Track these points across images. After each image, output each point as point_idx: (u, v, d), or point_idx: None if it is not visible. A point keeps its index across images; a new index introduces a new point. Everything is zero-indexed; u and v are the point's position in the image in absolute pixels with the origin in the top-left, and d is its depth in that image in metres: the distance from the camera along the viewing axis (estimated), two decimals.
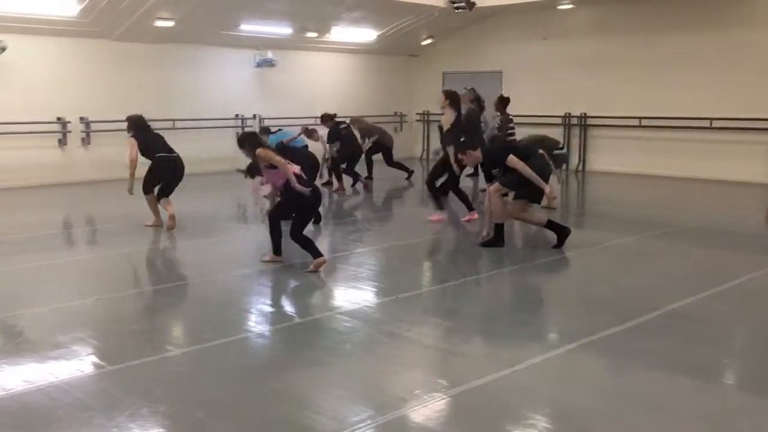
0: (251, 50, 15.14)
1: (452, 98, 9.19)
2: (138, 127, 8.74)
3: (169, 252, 8.24)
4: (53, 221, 9.72)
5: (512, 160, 7.48)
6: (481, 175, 9.19)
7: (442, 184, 9.45)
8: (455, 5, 14.77)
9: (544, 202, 9.02)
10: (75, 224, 10.09)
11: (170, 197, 8.73)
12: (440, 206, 9.46)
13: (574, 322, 5.34)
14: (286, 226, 6.85)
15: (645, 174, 14.28)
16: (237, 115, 15.25)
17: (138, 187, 8.60)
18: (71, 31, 12.48)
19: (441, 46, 17.74)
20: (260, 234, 8.31)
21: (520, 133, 11.72)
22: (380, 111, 17.58)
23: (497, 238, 7.76)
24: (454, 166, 8.99)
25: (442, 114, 9.27)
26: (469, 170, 10.85)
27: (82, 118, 13.05)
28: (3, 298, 5.96)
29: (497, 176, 7.70)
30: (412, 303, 5.91)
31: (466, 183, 10.81)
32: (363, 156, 12.59)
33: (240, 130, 15.23)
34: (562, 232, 7.71)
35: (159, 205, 8.74)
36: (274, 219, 6.97)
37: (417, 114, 18.56)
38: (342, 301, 6.02)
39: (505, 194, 8.00)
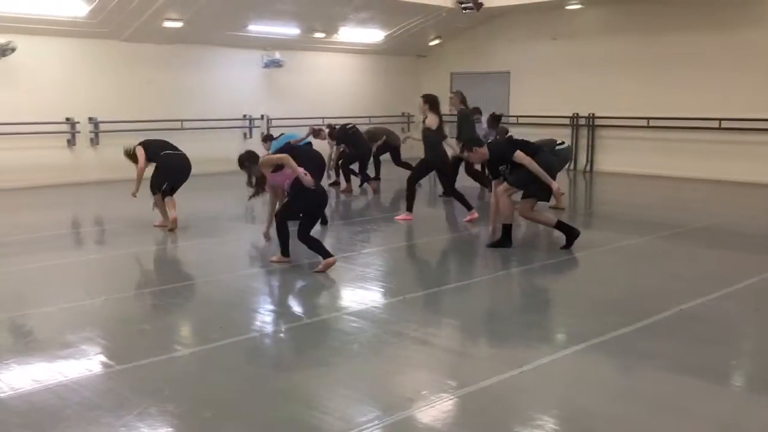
0: (259, 51, 15.18)
1: (431, 102, 9.24)
2: (150, 144, 8.91)
3: (176, 252, 8.25)
4: (61, 221, 9.77)
5: (519, 155, 7.46)
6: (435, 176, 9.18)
7: (442, 184, 9.43)
8: (463, 6, 14.76)
9: (553, 201, 8.99)
10: (83, 224, 10.12)
11: (175, 197, 8.75)
12: (468, 206, 9.43)
13: (583, 323, 5.33)
14: (293, 227, 6.85)
15: (653, 175, 14.22)
16: (245, 116, 15.30)
17: (145, 188, 8.65)
18: (80, 31, 12.53)
19: (449, 47, 17.73)
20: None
21: (521, 134, 11.65)
22: (388, 111, 17.59)
23: (505, 239, 7.73)
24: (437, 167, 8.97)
25: (424, 118, 9.28)
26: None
27: (90, 119, 13.10)
28: (12, 297, 5.99)
29: (504, 173, 7.68)
30: (419, 303, 5.91)
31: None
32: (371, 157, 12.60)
33: (247, 131, 15.33)
34: (571, 233, 7.68)
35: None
36: (282, 220, 6.97)
37: None
38: (349, 301, 6.01)
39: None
